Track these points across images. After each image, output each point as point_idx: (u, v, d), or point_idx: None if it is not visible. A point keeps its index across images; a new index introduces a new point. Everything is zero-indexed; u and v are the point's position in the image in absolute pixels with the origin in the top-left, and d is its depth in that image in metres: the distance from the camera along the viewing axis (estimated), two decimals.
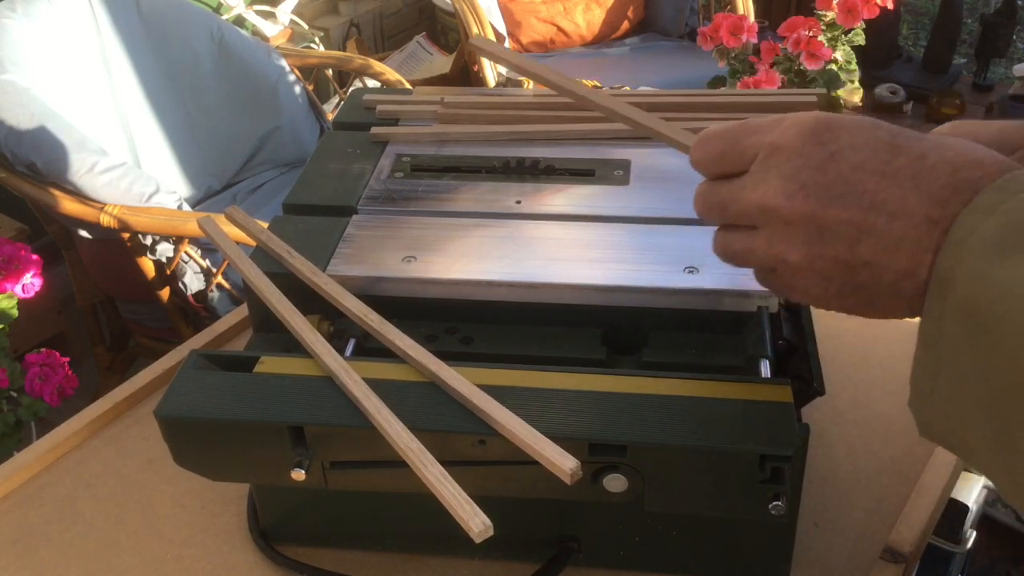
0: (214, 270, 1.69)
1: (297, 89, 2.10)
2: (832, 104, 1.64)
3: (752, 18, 2.27)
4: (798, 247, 0.44)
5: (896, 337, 0.86)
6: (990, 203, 0.39)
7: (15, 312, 1.36)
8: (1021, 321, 0.36)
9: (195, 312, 1.76)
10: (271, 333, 0.64)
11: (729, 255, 0.49)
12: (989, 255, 0.38)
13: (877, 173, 0.42)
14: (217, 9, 2.47)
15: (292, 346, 0.61)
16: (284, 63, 2.08)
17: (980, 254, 0.38)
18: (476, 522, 0.48)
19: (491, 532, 0.48)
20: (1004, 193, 0.39)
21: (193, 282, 1.70)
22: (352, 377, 0.56)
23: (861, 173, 0.42)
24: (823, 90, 0.78)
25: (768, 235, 0.46)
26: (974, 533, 1.10)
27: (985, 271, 0.38)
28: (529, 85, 2.38)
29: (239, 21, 2.52)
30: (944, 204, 0.40)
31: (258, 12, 2.61)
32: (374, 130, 0.80)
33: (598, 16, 2.78)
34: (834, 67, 1.64)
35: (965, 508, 1.05)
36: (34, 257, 1.36)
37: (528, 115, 0.80)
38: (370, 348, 0.61)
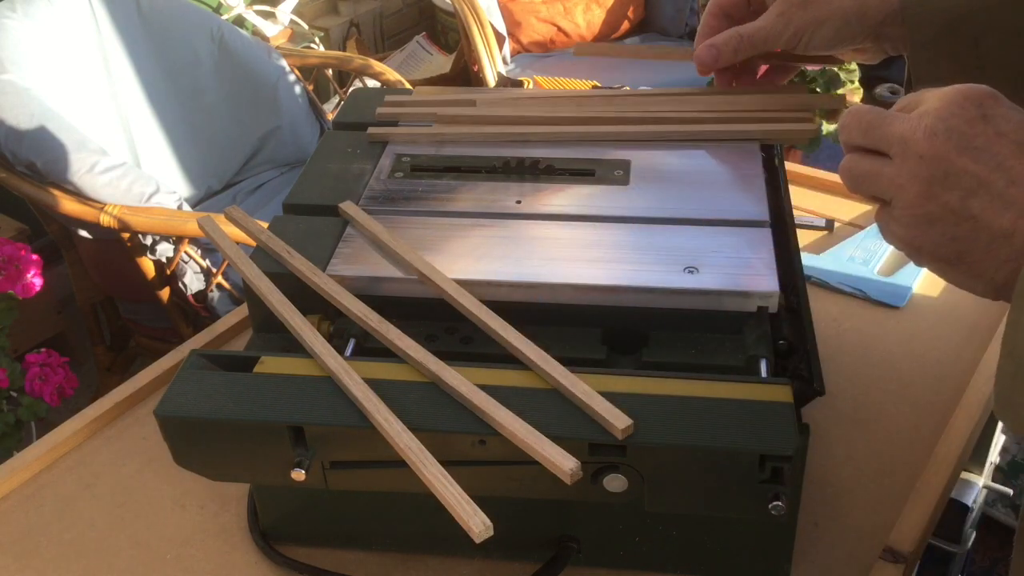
0: (214, 270, 1.69)
1: (297, 89, 2.10)
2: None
3: None
4: (920, 182, 0.48)
5: (896, 337, 0.87)
6: None
7: (15, 312, 1.36)
8: None
9: (195, 312, 1.76)
10: (271, 333, 0.64)
11: (853, 175, 0.53)
12: None
13: (1015, 144, 0.46)
14: (217, 9, 2.47)
15: (292, 346, 0.61)
16: (284, 63, 2.08)
17: None
18: (476, 522, 0.48)
19: (491, 532, 0.48)
20: None
21: (193, 282, 1.70)
22: (352, 377, 0.56)
23: (1003, 140, 0.46)
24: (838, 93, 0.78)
25: (898, 165, 0.49)
26: (974, 533, 1.11)
27: None
28: (529, 84, 2.38)
29: (239, 21, 2.52)
30: None
31: (258, 12, 2.61)
32: (371, 130, 0.80)
33: (598, 16, 2.78)
34: (834, 67, 1.64)
35: (965, 508, 1.05)
36: (34, 257, 1.36)
37: (527, 116, 0.80)
38: (370, 348, 0.61)
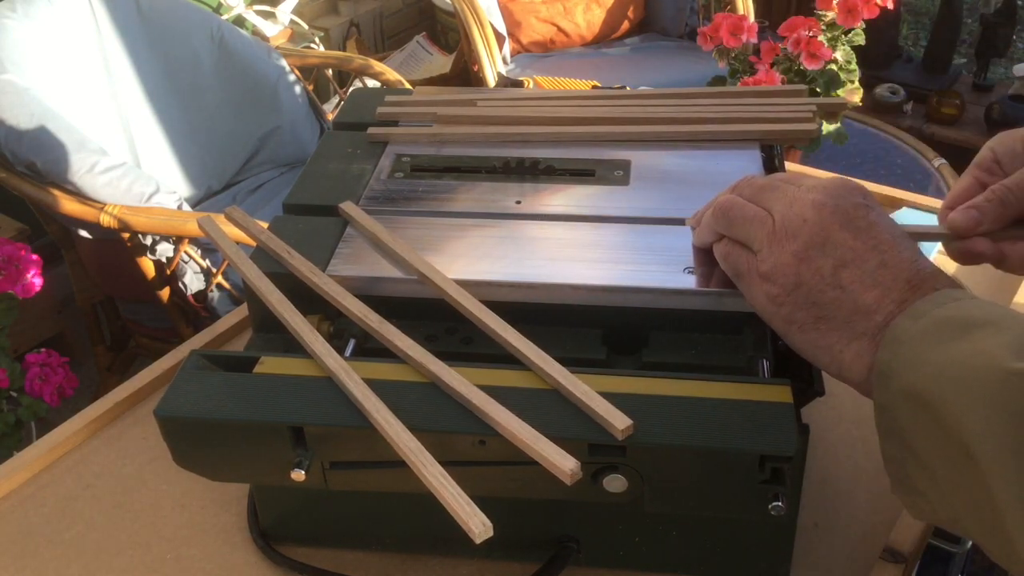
0: (214, 270, 1.69)
1: (297, 89, 2.10)
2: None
3: (752, 18, 2.27)
4: (798, 242, 0.51)
5: None
6: (922, 311, 0.46)
7: (15, 312, 1.36)
8: (956, 398, 0.41)
9: (195, 312, 1.76)
10: (271, 333, 0.64)
11: (729, 214, 0.56)
12: (924, 343, 0.44)
13: (891, 236, 0.50)
14: (217, 9, 2.47)
15: (292, 346, 0.61)
16: (284, 63, 2.08)
17: (915, 344, 0.44)
18: (476, 522, 0.48)
19: (491, 532, 0.48)
20: (933, 304, 0.46)
21: (193, 282, 1.70)
22: (352, 377, 0.56)
23: (881, 229, 0.50)
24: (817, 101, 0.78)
25: (779, 222, 0.52)
26: None
27: (921, 357, 0.44)
28: (529, 84, 2.38)
29: (239, 21, 2.52)
30: (918, 286, 0.47)
31: (258, 12, 2.61)
32: (371, 130, 0.80)
33: (598, 16, 2.78)
34: (834, 67, 1.65)
35: None
36: (34, 257, 1.36)
37: (527, 116, 0.80)
38: (370, 348, 0.61)
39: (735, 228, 0.55)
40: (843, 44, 1.66)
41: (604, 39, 2.82)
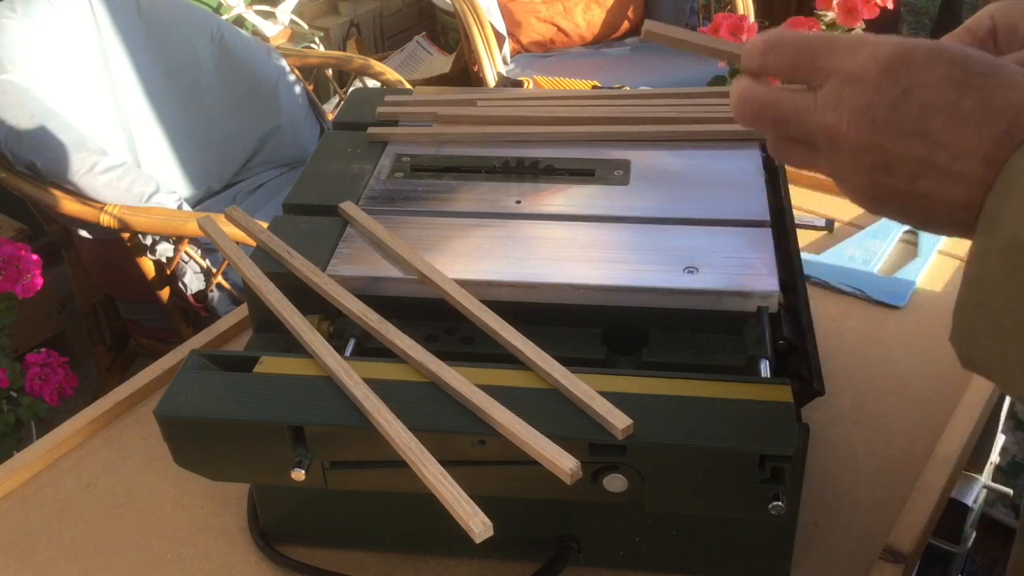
0: (214, 270, 1.69)
1: (297, 89, 2.10)
2: None
3: (752, 18, 2.27)
4: (861, 174, 0.46)
5: (896, 337, 0.87)
6: None
7: (15, 312, 1.36)
8: None
9: (195, 312, 1.76)
10: (271, 333, 0.64)
11: (788, 162, 0.51)
12: None
13: (945, 112, 0.44)
14: (217, 9, 2.47)
15: (292, 346, 0.61)
16: (284, 63, 2.08)
17: None
18: (476, 522, 0.48)
19: (491, 532, 0.48)
20: None
21: (193, 282, 1.70)
22: (352, 377, 0.56)
23: (931, 112, 0.44)
24: None
25: (832, 159, 0.47)
26: (974, 533, 1.11)
27: None
28: (529, 84, 2.38)
29: (239, 21, 2.53)
30: (1001, 147, 0.42)
31: (258, 12, 2.61)
32: (371, 130, 0.80)
33: (598, 16, 2.78)
34: None
35: (965, 508, 1.05)
36: (34, 257, 1.36)
37: (527, 116, 0.80)
38: (370, 348, 0.61)
39: (797, 166, 0.50)
40: None
41: (604, 39, 2.82)
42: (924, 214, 0.46)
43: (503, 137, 0.78)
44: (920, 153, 0.44)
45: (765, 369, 0.58)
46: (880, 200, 0.47)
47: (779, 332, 0.60)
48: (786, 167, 0.78)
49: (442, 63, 2.93)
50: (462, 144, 0.78)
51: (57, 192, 1.63)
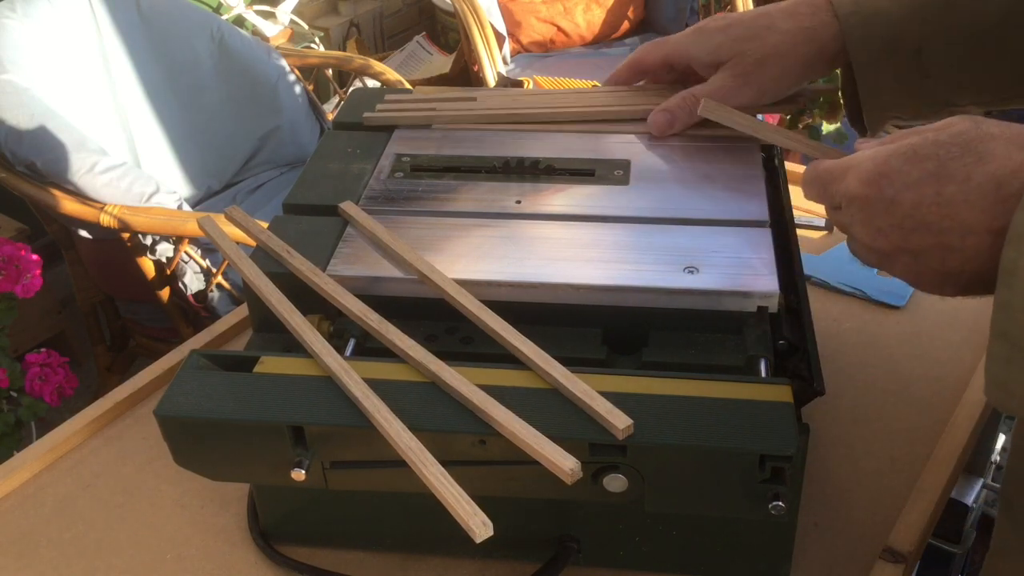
0: (214, 270, 1.69)
1: (297, 89, 2.10)
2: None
3: None
4: (902, 269, 0.52)
5: (896, 337, 0.86)
6: None
7: (15, 312, 1.36)
8: None
9: (195, 312, 1.76)
10: (271, 333, 0.64)
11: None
12: None
13: (935, 204, 0.48)
14: (217, 9, 2.47)
15: (292, 346, 0.61)
16: (284, 63, 2.08)
17: None
18: (476, 522, 0.48)
19: (491, 532, 0.48)
20: None
21: (193, 282, 1.70)
22: (352, 377, 0.56)
23: (922, 208, 0.49)
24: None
25: (879, 264, 0.54)
26: (974, 533, 1.10)
27: None
28: (529, 85, 2.38)
29: (239, 21, 2.53)
30: (997, 216, 0.46)
31: (258, 12, 2.61)
32: (367, 115, 0.80)
33: (598, 16, 2.78)
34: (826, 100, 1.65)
35: (965, 508, 1.05)
36: (34, 257, 1.36)
37: (527, 111, 0.80)
38: (370, 348, 0.61)
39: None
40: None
41: (604, 39, 2.82)
42: (975, 285, 0.50)
43: (505, 118, 0.79)
44: (932, 241, 0.49)
45: (765, 369, 0.58)
46: (938, 283, 0.52)
47: (779, 332, 0.60)
48: (786, 167, 0.78)
49: (442, 63, 2.93)
50: (462, 144, 0.78)
51: (57, 192, 1.63)
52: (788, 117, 1.69)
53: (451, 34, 3.16)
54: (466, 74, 2.73)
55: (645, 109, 0.78)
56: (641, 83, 0.82)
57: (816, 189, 0.57)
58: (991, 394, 0.46)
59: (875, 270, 0.94)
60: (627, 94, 0.81)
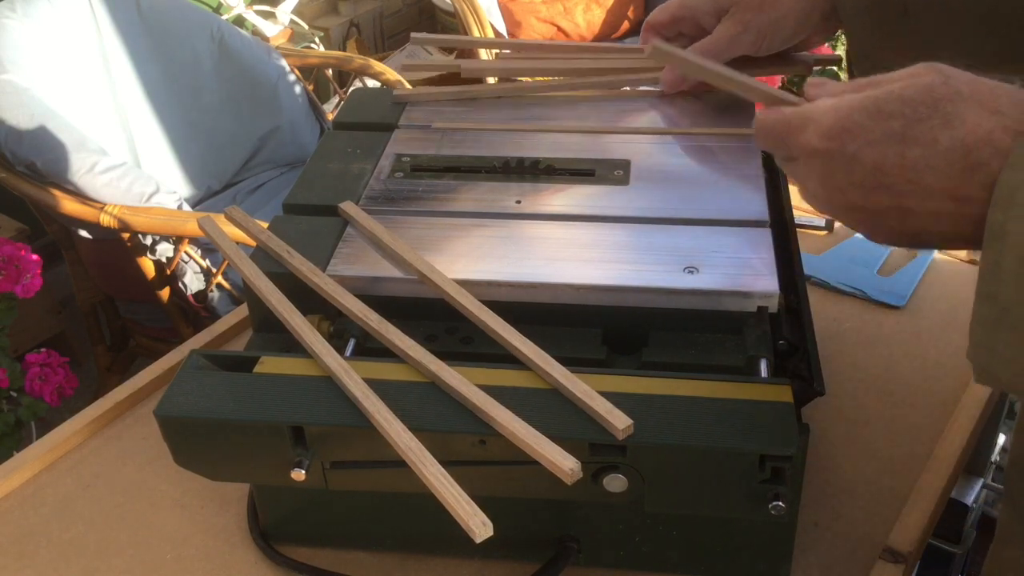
0: (214, 270, 1.69)
1: (297, 89, 2.10)
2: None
3: None
4: (861, 225, 0.50)
5: (896, 337, 0.86)
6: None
7: (15, 312, 1.36)
8: None
9: (195, 312, 1.76)
10: (271, 333, 0.64)
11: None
12: None
13: (897, 167, 0.46)
14: (217, 9, 2.47)
15: (292, 346, 0.61)
16: (284, 63, 2.08)
17: None
18: (476, 522, 0.48)
19: (491, 532, 0.48)
20: None
21: (193, 282, 1.70)
22: (352, 377, 0.56)
23: (884, 169, 0.47)
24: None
25: (834, 215, 0.52)
26: (974, 533, 1.11)
27: None
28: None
29: (239, 21, 2.52)
30: (962, 184, 0.45)
31: (258, 12, 2.61)
32: (396, 92, 0.84)
33: (598, 16, 2.78)
34: (835, 67, 1.65)
35: (965, 508, 1.05)
36: (34, 257, 1.36)
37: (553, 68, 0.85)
38: (370, 348, 0.61)
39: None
40: (843, 44, 1.66)
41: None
42: (933, 242, 0.49)
43: (525, 89, 0.84)
44: (892, 203, 0.47)
45: (765, 369, 0.58)
46: (893, 239, 0.50)
47: (779, 332, 0.60)
48: None
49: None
50: (462, 144, 0.78)
51: (57, 192, 1.63)
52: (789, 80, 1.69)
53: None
54: None
55: (658, 67, 0.81)
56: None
57: (772, 140, 0.53)
58: (974, 357, 0.45)
59: (875, 270, 0.94)
60: (641, 56, 0.83)
